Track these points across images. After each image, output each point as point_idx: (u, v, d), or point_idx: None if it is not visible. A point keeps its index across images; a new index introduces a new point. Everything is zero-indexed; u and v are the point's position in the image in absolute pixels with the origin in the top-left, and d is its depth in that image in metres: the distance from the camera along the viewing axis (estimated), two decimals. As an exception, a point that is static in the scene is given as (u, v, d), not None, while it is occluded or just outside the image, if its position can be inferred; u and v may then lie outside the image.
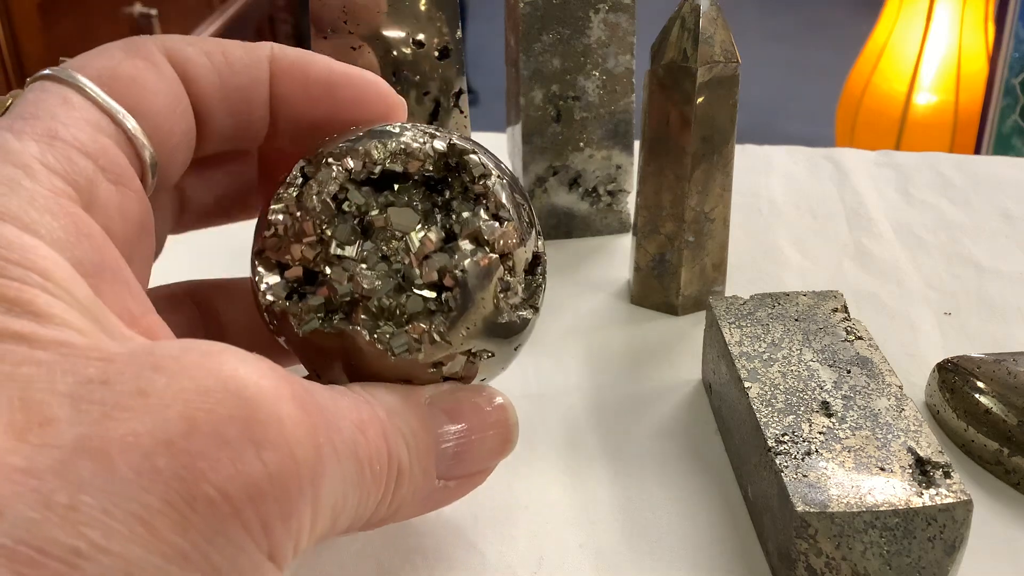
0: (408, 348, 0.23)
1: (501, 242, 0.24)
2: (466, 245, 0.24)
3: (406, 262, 0.23)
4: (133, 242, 0.22)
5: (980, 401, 0.34)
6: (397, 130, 0.25)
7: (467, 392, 0.25)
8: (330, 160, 0.24)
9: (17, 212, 0.19)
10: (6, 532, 0.16)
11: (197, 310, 0.29)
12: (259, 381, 0.19)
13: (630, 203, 0.49)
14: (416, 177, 0.24)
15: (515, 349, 0.26)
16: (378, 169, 0.24)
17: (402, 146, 0.24)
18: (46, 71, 0.23)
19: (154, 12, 1.46)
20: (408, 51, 0.40)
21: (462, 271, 0.23)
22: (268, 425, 0.19)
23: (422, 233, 0.24)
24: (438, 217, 0.24)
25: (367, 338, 0.23)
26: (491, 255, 0.24)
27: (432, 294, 0.23)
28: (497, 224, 0.24)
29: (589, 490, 0.33)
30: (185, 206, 0.28)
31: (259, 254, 0.24)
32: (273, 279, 0.24)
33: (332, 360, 0.24)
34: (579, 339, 0.41)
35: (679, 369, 0.39)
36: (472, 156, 0.24)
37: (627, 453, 0.34)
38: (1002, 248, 0.48)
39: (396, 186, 0.24)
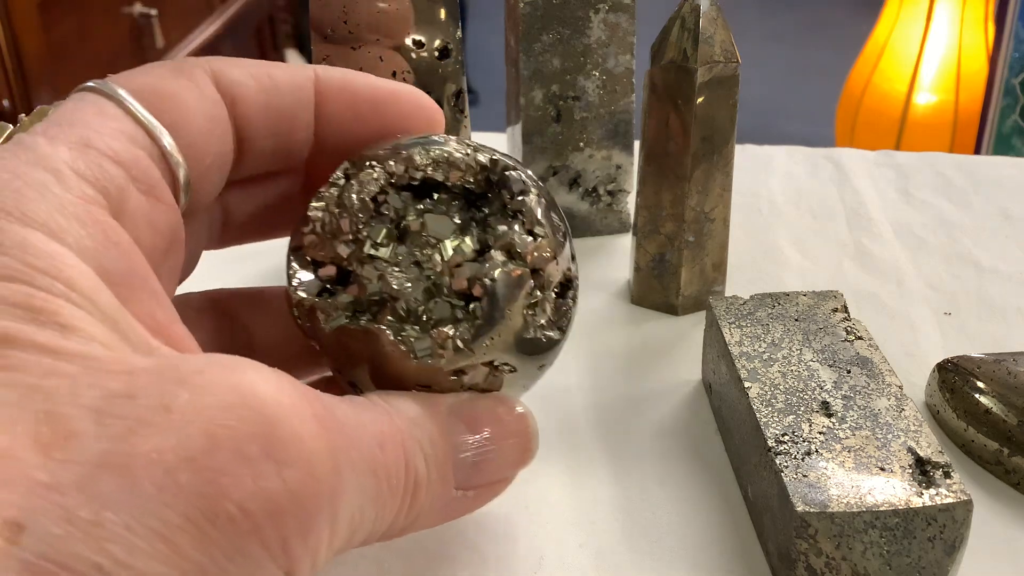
0: (431, 353, 0.23)
1: (533, 255, 0.24)
2: (498, 256, 0.24)
3: (438, 269, 0.24)
4: (162, 253, 0.22)
5: (980, 401, 0.34)
6: (441, 140, 0.25)
7: (487, 401, 0.25)
8: (373, 163, 0.24)
9: (45, 218, 0.19)
10: (29, 547, 0.16)
11: (224, 319, 0.28)
12: (280, 398, 0.19)
13: (630, 203, 0.49)
14: (456, 189, 0.25)
15: (539, 368, 0.26)
16: (419, 175, 0.24)
17: (445, 155, 0.25)
18: (89, 83, 0.22)
19: (154, 12, 1.46)
20: (408, 51, 0.40)
21: (491, 280, 0.24)
22: (288, 442, 0.19)
23: (456, 242, 0.24)
24: (474, 230, 0.24)
25: (391, 339, 0.23)
26: (522, 268, 0.24)
27: (460, 302, 0.24)
28: (531, 239, 0.24)
29: (589, 490, 0.33)
30: (227, 220, 0.28)
31: (295, 251, 0.24)
32: (307, 276, 0.24)
33: (357, 361, 0.24)
34: (579, 339, 0.41)
35: (679, 369, 0.39)
36: (513, 172, 0.25)
37: (627, 453, 0.34)
38: (1002, 248, 0.48)
39: (436, 195, 0.25)
